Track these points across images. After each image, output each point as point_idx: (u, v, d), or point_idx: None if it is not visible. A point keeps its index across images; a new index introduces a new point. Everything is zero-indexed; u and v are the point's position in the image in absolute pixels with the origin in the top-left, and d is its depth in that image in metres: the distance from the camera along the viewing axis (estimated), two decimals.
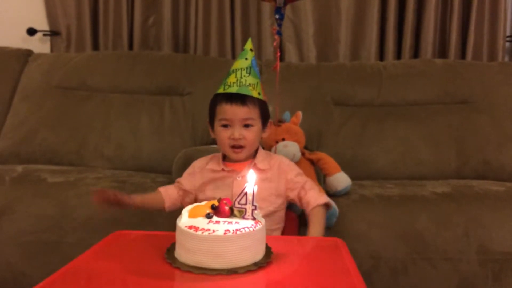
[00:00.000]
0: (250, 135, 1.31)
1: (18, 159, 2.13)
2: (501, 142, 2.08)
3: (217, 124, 1.33)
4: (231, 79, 1.29)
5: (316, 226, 1.30)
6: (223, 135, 1.32)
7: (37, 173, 1.84)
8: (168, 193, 1.39)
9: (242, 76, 1.28)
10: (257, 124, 1.33)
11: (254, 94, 1.29)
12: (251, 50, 1.32)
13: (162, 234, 1.14)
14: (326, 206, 1.37)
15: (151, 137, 2.17)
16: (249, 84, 1.28)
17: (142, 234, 1.19)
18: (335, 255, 1.07)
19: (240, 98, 1.28)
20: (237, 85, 1.28)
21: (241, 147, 1.32)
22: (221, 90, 1.30)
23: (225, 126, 1.32)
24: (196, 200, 1.38)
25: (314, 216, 1.32)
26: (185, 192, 1.40)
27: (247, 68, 1.29)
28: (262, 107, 1.34)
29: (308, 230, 1.29)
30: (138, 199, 1.34)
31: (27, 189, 1.74)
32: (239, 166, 1.35)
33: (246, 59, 1.31)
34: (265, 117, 1.36)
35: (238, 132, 1.30)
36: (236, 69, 1.30)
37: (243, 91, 1.28)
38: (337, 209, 1.56)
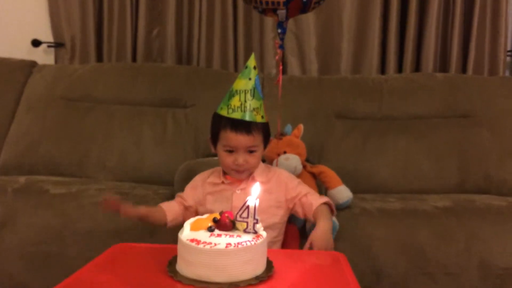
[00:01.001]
0: (253, 160, 1.33)
1: (21, 170, 2.14)
2: (502, 156, 2.08)
3: (220, 147, 1.34)
4: (235, 102, 1.28)
5: (325, 218, 1.31)
6: (227, 160, 1.33)
7: (39, 184, 1.85)
8: (169, 208, 1.39)
9: (246, 99, 1.27)
10: (260, 148, 1.35)
11: (258, 118, 1.29)
12: (254, 68, 1.30)
13: (164, 247, 1.15)
14: (330, 208, 1.40)
15: (154, 148, 2.18)
16: (253, 109, 1.28)
17: (144, 247, 1.19)
18: (336, 269, 1.07)
19: (245, 127, 1.28)
20: (241, 110, 1.27)
21: (243, 170, 1.34)
22: (224, 112, 1.29)
23: (229, 151, 1.33)
24: (196, 213, 1.39)
25: (320, 211, 1.34)
26: (187, 207, 1.41)
27: (251, 90, 1.28)
28: (265, 130, 1.35)
29: (317, 224, 1.29)
30: (143, 210, 1.35)
31: (29, 200, 1.75)
32: (239, 179, 1.38)
33: (250, 79, 1.29)
34: (267, 138, 1.38)
35: (242, 158, 1.31)
36: (240, 91, 1.28)
37: (248, 117, 1.27)
38: (337, 223, 1.56)
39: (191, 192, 1.42)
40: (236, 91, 1.29)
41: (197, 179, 1.44)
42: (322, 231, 1.27)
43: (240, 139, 1.29)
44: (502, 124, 2.16)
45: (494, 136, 2.13)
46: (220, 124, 1.32)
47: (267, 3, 1.51)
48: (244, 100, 1.27)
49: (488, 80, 2.33)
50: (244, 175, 1.36)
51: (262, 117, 1.31)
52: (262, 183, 1.33)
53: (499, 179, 2.05)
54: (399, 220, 1.65)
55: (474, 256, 1.56)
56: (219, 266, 0.91)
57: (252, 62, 1.31)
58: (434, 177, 2.05)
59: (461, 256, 1.56)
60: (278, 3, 1.49)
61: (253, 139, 1.30)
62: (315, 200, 1.37)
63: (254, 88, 1.29)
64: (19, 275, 1.64)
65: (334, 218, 1.55)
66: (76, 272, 1.01)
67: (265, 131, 1.35)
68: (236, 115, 1.27)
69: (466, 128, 2.16)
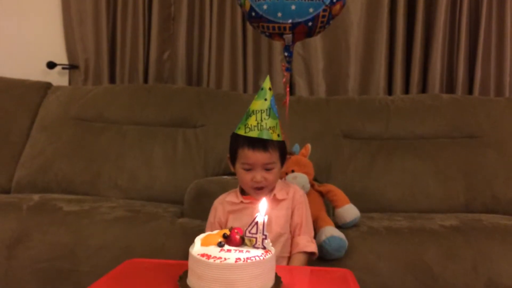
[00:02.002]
0: (271, 177, 1.37)
1: (34, 188, 2.18)
2: (509, 176, 2.09)
3: (239, 165, 1.38)
4: (252, 121, 1.32)
5: None
6: (246, 177, 1.37)
7: (53, 202, 1.88)
8: None
9: (263, 119, 1.32)
10: (277, 165, 1.38)
11: (274, 137, 1.34)
12: (269, 89, 1.35)
13: (175, 263, 1.17)
14: (312, 254, 1.43)
15: (164, 168, 2.21)
16: (270, 127, 1.32)
17: (155, 263, 1.22)
18: (344, 286, 1.09)
19: (261, 144, 1.32)
20: (257, 129, 1.31)
21: (262, 187, 1.37)
22: (241, 132, 1.34)
23: (247, 169, 1.36)
24: None
25: (294, 261, 1.39)
26: None
27: (267, 110, 1.33)
28: (281, 147, 1.39)
29: None
30: None
31: (43, 217, 1.78)
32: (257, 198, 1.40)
33: (266, 99, 1.34)
34: (283, 156, 1.41)
35: (259, 175, 1.35)
36: (256, 111, 1.33)
37: (264, 135, 1.32)
38: (346, 241, 1.58)
39: (213, 218, 1.45)
40: (253, 111, 1.34)
41: (215, 203, 1.47)
42: None
43: (257, 156, 1.33)
44: (508, 144, 2.18)
45: (500, 156, 2.14)
46: (238, 143, 1.36)
47: (273, 28, 1.56)
48: (260, 119, 1.32)
49: (494, 101, 2.34)
50: (263, 193, 1.38)
51: (278, 135, 1.36)
52: (282, 200, 1.40)
53: (506, 198, 2.05)
54: (406, 239, 1.66)
55: (481, 275, 1.56)
56: (228, 280, 0.93)
57: (267, 84, 1.36)
58: (441, 196, 2.07)
59: (469, 275, 1.56)
60: (284, 28, 1.54)
61: (270, 156, 1.34)
62: (304, 241, 1.40)
63: (270, 108, 1.34)
64: None
65: (343, 236, 1.57)
66: (88, 287, 1.03)
67: (281, 148, 1.39)
68: (253, 133, 1.32)
69: (473, 149, 2.17)
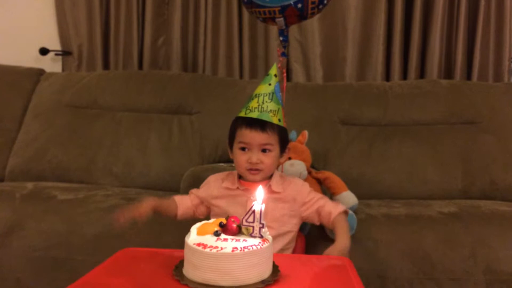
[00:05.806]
0: (267, 160, 1.34)
1: (28, 176, 2.16)
2: (507, 162, 2.08)
3: (235, 146, 1.36)
4: (253, 104, 1.32)
5: (344, 233, 1.32)
6: (241, 158, 1.34)
7: (47, 190, 1.87)
8: (182, 201, 1.41)
9: (264, 101, 1.31)
10: (275, 149, 1.35)
11: (275, 120, 1.32)
12: (275, 75, 1.35)
13: (170, 252, 1.15)
14: (345, 213, 1.42)
15: (160, 155, 2.19)
16: (270, 110, 1.31)
17: (150, 251, 1.20)
18: (342, 274, 1.07)
19: (260, 124, 1.31)
20: (258, 111, 1.31)
21: (257, 170, 1.35)
22: (242, 114, 1.33)
23: (243, 149, 1.34)
24: (209, 209, 1.42)
25: (339, 222, 1.35)
26: (200, 201, 1.42)
27: (269, 94, 1.33)
28: (281, 133, 1.36)
29: (337, 240, 1.30)
30: (153, 202, 1.34)
31: (37, 206, 1.77)
32: (254, 186, 1.35)
33: (270, 84, 1.34)
34: (283, 143, 1.38)
35: (255, 156, 1.32)
36: (258, 94, 1.33)
37: (264, 117, 1.31)
38: (355, 217, 1.57)
39: (205, 188, 1.43)
40: (256, 95, 1.34)
41: (210, 179, 1.45)
42: (340, 249, 1.26)
43: (254, 136, 1.31)
44: (507, 130, 2.16)
45: (499, 142, 2.13)
46: (237, 124, 1.35)
47: (264, 12, 1.52)
48: (262, 102, 1.32)
49: (493, 87, 2.33)
50: (258, 177, 1.35)
51: (279, 120, 1.34)
52: (277, 192, 1.37)
53: (504, 185, 2.04)
54: (405, 226, 1.65)
55: (480, 261, 1.55)
56: (225, 270, 0.92)
57: (273, 70, 1.36)
58: (439, 183, 2.05)
59: (467, 262, 1.55)
60: (274, 11, 1.50)
61: (268, 137, 1.32)
62: (333, 208, 1.38)
63: (273, 93, 1.33)
64: (26, 279, 1.65)
65: (351, 212, 1.56)
66: (83, 276, 1.02)
67: (281, 134, 1.36)
68: (253, 114, 1.31)
69: (471, 134, 2.16)
